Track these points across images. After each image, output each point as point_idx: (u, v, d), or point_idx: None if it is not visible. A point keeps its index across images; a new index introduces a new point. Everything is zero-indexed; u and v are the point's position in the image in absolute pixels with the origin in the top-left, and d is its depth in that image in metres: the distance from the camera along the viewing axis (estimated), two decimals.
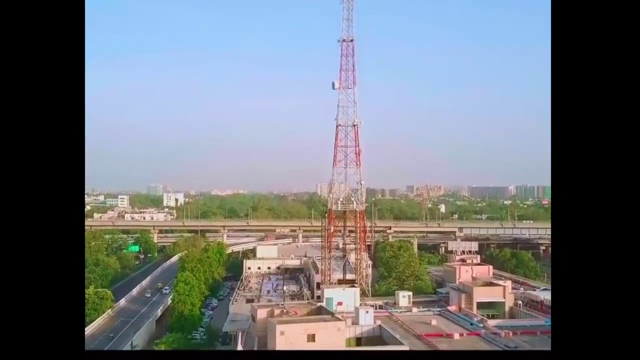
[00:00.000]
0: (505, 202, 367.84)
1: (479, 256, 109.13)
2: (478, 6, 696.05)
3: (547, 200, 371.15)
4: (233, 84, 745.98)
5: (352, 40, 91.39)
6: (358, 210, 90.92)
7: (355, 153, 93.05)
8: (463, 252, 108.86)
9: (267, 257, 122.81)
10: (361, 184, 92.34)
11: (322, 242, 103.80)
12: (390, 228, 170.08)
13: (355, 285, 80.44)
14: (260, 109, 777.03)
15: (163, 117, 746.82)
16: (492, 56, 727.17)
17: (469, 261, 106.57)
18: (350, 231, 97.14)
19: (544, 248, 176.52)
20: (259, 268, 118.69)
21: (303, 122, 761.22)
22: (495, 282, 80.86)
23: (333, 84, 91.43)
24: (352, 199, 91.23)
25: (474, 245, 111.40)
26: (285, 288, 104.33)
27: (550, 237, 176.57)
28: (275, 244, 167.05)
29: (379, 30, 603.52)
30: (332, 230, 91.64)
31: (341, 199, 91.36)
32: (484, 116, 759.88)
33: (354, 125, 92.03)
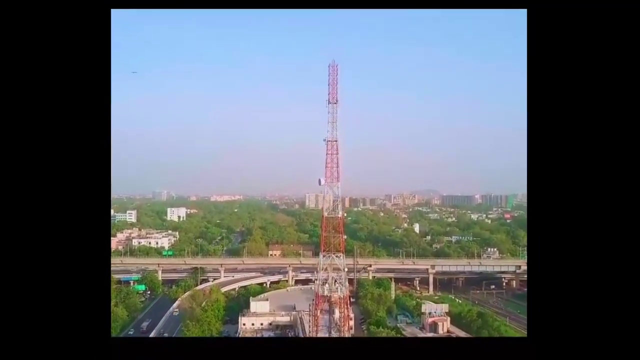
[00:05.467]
0: (472, 215, 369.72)
1: (449, 318, 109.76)
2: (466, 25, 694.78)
3: (509, 214, 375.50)
4: (242, 99, 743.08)
5: (336, 141, 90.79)
6: (342, 295, 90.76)
7: (340, 241, 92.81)
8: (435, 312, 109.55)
9: (260, 312, 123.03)
10: (345, 270, 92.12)
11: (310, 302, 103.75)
12: (370, 266, 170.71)
13: None
14: (260, 121, 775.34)
15: (166, 126, 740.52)
16: (478, 70, 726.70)
17: (440, 323, 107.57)
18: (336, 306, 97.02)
19: (506, 281, 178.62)
20: (252, 324, 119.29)
21: (298, 131, 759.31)
22: None
23: (319, 181, 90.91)
24: (336, 284, 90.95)
25: (445, 307, 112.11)
26: None
27: (511, 271, 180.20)
28: (268, 280, 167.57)
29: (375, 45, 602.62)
30: (318, 314, 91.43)
31: (327, 286, 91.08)
32: (463, 126, 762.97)
33: (339, 217, 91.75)
